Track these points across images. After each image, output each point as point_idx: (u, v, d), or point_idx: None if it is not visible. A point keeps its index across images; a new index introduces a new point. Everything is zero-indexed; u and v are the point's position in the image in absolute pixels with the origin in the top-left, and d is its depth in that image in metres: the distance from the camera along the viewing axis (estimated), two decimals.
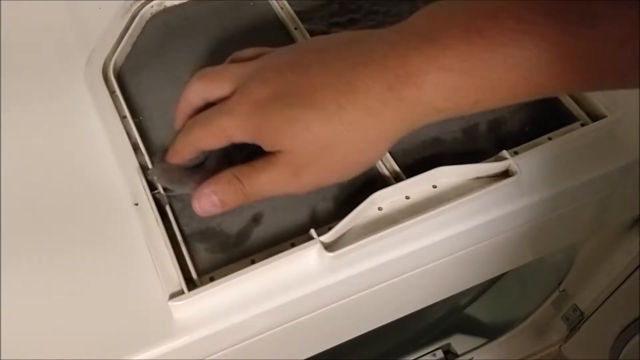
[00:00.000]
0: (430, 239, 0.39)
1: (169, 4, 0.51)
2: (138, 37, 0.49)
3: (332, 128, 0.34)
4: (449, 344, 0.91)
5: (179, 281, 0.36)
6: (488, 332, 0.91)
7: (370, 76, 0.34)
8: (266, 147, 0.35)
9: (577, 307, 0.82)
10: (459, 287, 0.49)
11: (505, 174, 0.41)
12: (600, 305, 0.79)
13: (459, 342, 0.91)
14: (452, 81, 0.33)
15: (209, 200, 0.36)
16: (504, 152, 0.41)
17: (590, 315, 0.81)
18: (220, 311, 0.36)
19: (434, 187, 0.40)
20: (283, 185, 0.36)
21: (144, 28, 0.50)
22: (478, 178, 0.41)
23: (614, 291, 0.75)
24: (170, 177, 0.39)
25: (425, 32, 0.33)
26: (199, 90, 0.38)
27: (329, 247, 0.38)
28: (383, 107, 0.33)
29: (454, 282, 0.48)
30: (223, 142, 0.36)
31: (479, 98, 0.34)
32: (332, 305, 0.40)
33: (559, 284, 0.82)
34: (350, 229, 0.39)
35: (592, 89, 0.41)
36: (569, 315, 0.84)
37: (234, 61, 0.40)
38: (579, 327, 0.84)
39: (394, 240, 0.39)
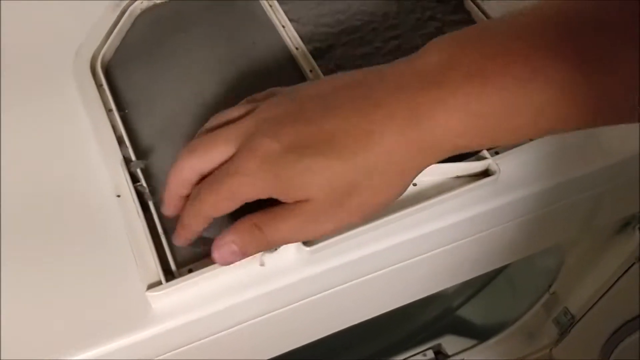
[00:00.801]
0: (408, 235, 0.40)
1: (159, 0, 0.52)
2: (127, 32, 0.50)
3: (351, 174, 0.33)
4: (439, 345, 0.91)
5: (157, 272, 0.37)
6: (479, 333, 0.92)
7: (380, 120, 0.33)
8: (284, 199, 0.34)
9: (567, 310, 0.82)
10: (438, 286, 0.49)
11: (485, 173, 0.41)
12: (590, 309, 0.79)
13: (450, 343, 0.91)
14: (462, 123, 0.32)
15: (229, 250, 0.35)
16: (484, 152, 0.41)
17: (581, 318, 0.81)
18: (198, 302, 0.37)
19: (414, 185, 0.41)
20: (304, 233, 0.35)
21: (133, 23, 0.50)
22: (458, 177, 0.41)
23: (603, 294, 0.75)
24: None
25: (432, 74, 0.33)
26: (195, 164, 0.36)
27: (307, 241, 0.38)
28: (398, 148, 0.33)
29: (433, 280, 0.48)
30: (237, 205, 0.35)
31: (492, 138, 0.34)
32: (310, 298, 0.40)
33: (549, 286, 0.82)
34: None
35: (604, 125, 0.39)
36: (560, 319, 0.84)
37: (248, 102, 0.38)
38: (569, 331, 0.84)
39: (372, 236, 0.39)
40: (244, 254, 0.35)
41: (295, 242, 0.37)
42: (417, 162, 0.34)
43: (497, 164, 0.41)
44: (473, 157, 0.42)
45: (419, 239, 0.40)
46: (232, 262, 0.35)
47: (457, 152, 0.34)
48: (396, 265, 0.42)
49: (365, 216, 0.35)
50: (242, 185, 0.34)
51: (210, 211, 0.35)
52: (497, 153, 0.42)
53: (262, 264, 0.38)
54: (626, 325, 0.77)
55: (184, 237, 0.37)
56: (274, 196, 0.34)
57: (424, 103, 0.32)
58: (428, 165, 0.35)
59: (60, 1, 0.52)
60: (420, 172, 0.35)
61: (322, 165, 0.33)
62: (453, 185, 0.41)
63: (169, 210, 0.38)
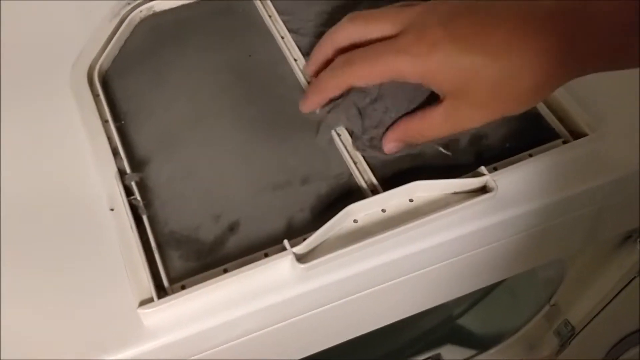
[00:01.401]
0: (405, 251, 0.39)
1: (158, 8, 0.51)
2: (126, 41, 0.50)
3: (506, 71, 0.35)
4: (439, 354, 0.91)
5: (149, 288, 0.37)
6: (479, 343, 0.91)
7: (541, 25, 0.35)
8: (438, 91, 0.37)
9: (568, 322, 0.82)
10: (435, 301, 0.49)
11: (483, 189, 0.41)
12: (590, 321, 0.78)
13: (449, 353, 0.91)
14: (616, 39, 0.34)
15: (392, 146, 0.41)
16: (482, 168, 0.41)
17: (581, 330, 0.81)
18: (190, 319, 0.36)
19: (411, 200, 0.40)
20: (458, 126, 0.38)
21: (132, 32, 0.50)
22: (455, 193, 0.41)
23: (604, 307, 0.75)
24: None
25: None
26: (351, 32, 0.38)
27: (301, 258, 0.38)
28: (552, 53, 0.35)
29: (429, 295, 0.47)
30: (383, 80, 0.38)
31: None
32: (304, 315, 0.40)
33: (550, 298, 0.81)
34: (324, 241, 0.39)
35: None
36: (560, 330, 0.84)
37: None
38: (570, 342, 0.83)
39: (367, 253, 0.39)
40: (405, 145, 0.41)
41: (444, 136, 0.41)
42: (567, 70, 0.36)
43: (494, 181, 0.40)
44: (471, 173, 0.41)
45: (416, 255, 0.40)
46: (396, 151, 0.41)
47: (604, 70, 0.36)
48: (392, 282, 0.41)
49: (511, 111, 0.38)
50: (404, 64, 0.36)
51: (356, 79, 0.38)
52: (495, 169, 0.42)
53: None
54: (627, 338, 0.77)
55: (315, 102, 0.40)
56: (428, 85, 0.37)
57: (586, 16, 0.34)
58: (572, 78, 0.37)
59: (59, 9, 0.52)
60: (563, 84, 0.37)
61: (482, 63, 0.35)
62: (450, 202, 0.40)
63: (312, 67, 0.41)
